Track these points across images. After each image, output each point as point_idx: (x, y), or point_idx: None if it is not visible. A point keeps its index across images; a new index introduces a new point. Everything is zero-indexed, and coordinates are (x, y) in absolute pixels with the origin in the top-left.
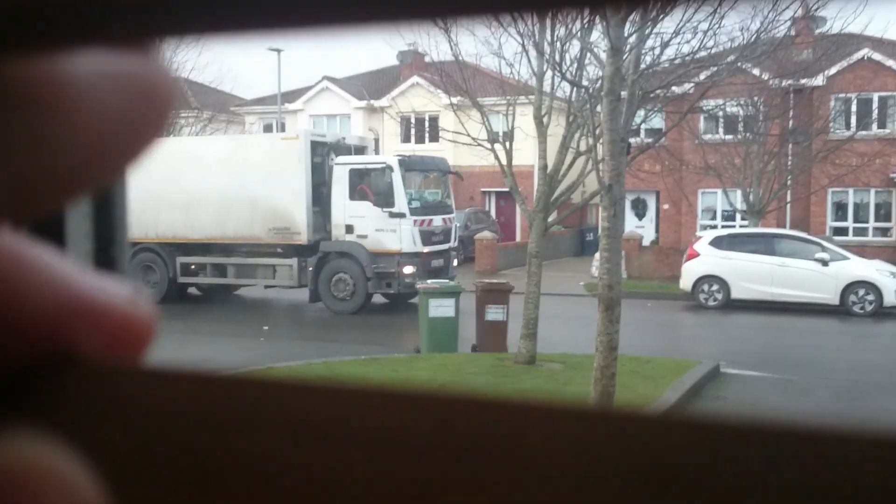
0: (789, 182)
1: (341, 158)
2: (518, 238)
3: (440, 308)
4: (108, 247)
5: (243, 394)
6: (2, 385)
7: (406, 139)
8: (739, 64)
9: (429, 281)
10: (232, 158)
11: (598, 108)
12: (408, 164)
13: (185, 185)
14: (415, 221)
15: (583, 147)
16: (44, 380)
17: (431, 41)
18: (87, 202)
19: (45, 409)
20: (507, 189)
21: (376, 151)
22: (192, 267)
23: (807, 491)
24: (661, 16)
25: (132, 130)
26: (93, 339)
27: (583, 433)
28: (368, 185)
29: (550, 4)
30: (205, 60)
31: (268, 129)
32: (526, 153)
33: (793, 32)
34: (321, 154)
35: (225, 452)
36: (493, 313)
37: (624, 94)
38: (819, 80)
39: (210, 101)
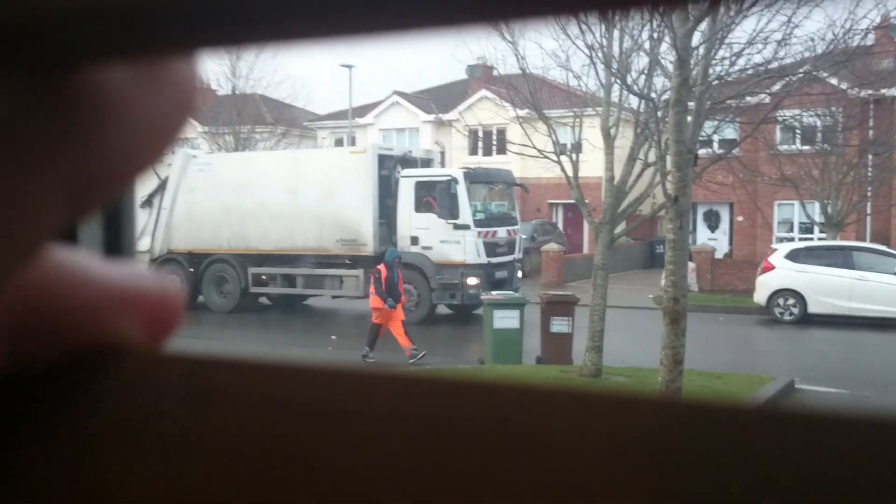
0: (869, 194)
1: (407, 171)
2: (585, 250)
3: (505, 319)
4: (117, 245)
5: (277, 379)
6: (63, 373)
7: (473, 152)
8: (816, 73)
9: (493, 292)
10: (303, 172)
11: (666, 119)
12: (472, 177)
13: (257, 198)
14: (479, 233)
15: (651, 158)
16: (95, 367)
17: (499, 54)
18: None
19: (96, 393)
20: (574, 201)
21: (442, 164)
22: (263, 277)
23: (822, 477)
24: (732, 25)
25: (160, 129)
26: (131, 323)
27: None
28: (433, 198)
29: (613, 4)
30: (279, 77)
31: (339, 143)
32: (593, 165)
33: (871, 41)
34: (388, 167)
35: (261, 436)
36: (559, 325)
37: (692, 104)
38: None
39: (284, 117)
